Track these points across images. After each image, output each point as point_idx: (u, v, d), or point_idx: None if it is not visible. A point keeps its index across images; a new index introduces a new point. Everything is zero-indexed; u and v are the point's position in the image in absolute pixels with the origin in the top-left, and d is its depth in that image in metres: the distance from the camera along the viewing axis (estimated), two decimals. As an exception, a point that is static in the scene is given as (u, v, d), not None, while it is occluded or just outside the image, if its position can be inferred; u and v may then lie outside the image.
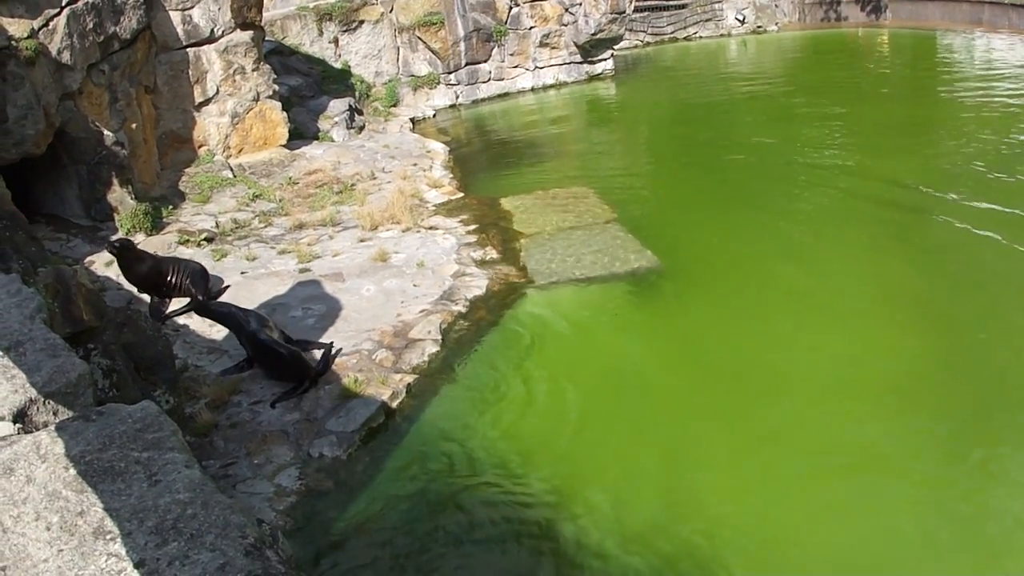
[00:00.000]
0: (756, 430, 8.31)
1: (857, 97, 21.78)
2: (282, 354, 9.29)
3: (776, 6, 33.69)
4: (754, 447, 8.08)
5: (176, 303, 11.19)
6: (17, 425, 3.21)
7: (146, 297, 11.16)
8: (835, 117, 19.70)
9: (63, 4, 12.98)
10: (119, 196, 13.33)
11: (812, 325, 10.23)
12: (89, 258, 12.24)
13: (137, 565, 2.43)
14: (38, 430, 3.12)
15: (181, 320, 10.85)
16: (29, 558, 2.49)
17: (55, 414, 3.37)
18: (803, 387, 8.97)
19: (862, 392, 8.79)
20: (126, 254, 10.86)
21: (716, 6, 33.41)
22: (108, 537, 2.55)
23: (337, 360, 9.65)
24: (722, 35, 33.32)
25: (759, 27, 33.23)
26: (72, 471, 2.83)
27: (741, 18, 33.21)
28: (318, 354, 9.72)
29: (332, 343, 9.85)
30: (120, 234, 12.72)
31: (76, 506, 2.68)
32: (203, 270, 11.45)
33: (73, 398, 3.57)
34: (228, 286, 11.70)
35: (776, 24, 33.37)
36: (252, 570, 2.43)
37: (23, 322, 4.03)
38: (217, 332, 10.54)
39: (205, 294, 11.14)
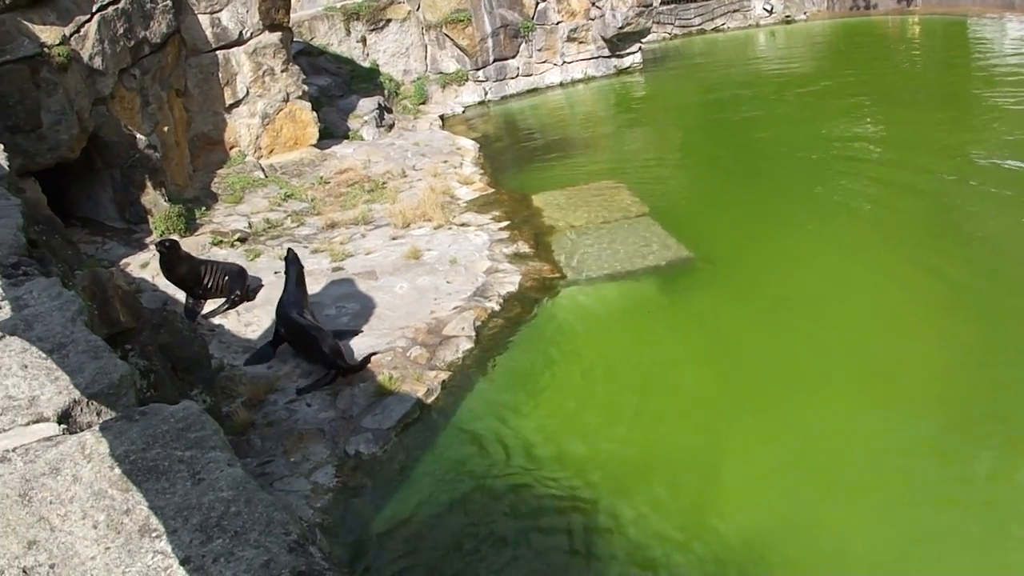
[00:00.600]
0: (804, 424, 8.17)
1: (891, 82, 21.47)
2: (314, 336, 9.42)
3: (805, -6, 33.39)
4: (805, 441, 7.94)
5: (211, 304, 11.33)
6: (62, 426, 3.23)
7: (182, 297, 11.30)
8: (868, 101, 19.38)
9: (94, 10, 13.13)
10: (153, 198, 13.48)
11: (853, 314, 10.04)
12: (125, 260, 12.37)
13: (183, 562, 2.44)
14: (82, 430, 3.14)
15: (216, 320, 10.95)
16: (77, 556, 2.51)
17: (99, 415, 3.39)
18: (848, 379, 8.79)
19: (912, 383, 8.61)
20: (172, 254, 10.99)
21: (743, -4, 33.17)
22: (154, 535, 2.56)
23: (372, 358, 9.68)
24: (750, 26, 32.97)
25: (787, 17, 32.86)
26: (117, 470, 2.85)
27: (769, 8, 32.86)
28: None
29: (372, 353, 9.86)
30: (155, 236, 12.88)
31: (122, 504, 2.70)
32: (241, 270, 11.59)
33: (116, 399, 3.59)
34: (262, 285, 11.79)
35: (804, 13, 33.00)
36: (296, 566, 2.42)
37: (65, 325, 4.07)
38: (252, 331, 10.62)
39: (243, 292, 11.27)
